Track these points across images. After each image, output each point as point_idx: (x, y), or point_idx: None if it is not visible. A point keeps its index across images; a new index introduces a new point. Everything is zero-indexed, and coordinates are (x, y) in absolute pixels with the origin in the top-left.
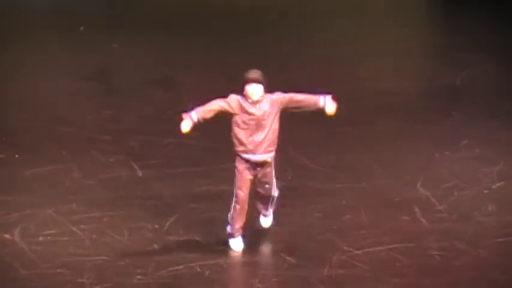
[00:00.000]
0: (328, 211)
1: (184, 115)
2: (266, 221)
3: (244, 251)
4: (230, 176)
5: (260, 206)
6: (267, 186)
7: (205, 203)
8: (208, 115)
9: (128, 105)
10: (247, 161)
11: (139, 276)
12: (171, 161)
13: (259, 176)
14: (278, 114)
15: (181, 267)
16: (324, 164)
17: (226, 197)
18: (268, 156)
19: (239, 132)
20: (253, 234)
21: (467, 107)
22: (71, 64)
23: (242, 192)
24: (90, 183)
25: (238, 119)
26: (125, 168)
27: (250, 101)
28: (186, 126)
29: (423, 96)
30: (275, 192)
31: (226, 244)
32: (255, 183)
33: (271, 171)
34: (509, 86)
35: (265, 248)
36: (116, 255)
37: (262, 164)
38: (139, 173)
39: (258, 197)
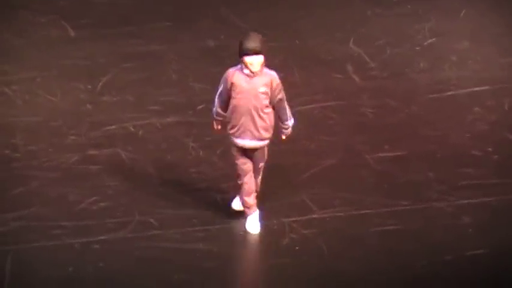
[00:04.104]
0: None
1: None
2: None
3: (179, 111)
4: (162, 36)
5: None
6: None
7: (137, 62)
8: (225, 109)
9: None
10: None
11: (72, 137)
12: (104, 20)
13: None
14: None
15: (114, 127)
16: (255, 22)
17: (158, 56)
18: (259, 144)
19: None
20: (188, 98)
21: None
22: None
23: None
24: (22, 44)
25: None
26: (57, 29)
27: (246, 72)
28: (216, 126)
29: None
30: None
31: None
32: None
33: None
34: None
35: (199, 107)
36: (48, 115)
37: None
38: (72, 33)
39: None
